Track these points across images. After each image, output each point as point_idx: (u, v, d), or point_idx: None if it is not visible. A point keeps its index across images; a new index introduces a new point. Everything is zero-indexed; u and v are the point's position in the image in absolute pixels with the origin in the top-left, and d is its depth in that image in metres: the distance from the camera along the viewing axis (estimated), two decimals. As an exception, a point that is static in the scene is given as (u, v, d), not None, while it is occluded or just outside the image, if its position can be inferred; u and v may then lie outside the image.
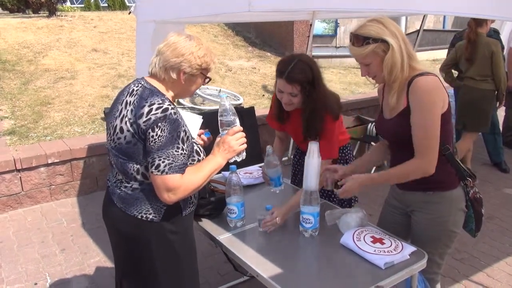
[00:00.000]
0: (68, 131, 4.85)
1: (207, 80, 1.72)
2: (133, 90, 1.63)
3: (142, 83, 1.65)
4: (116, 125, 1.61)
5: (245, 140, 1.74)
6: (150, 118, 1.52)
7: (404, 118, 1.71)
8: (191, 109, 5.28)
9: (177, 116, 1.56)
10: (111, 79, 6.18)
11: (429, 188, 1.79)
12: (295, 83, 2.03)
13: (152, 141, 1.52)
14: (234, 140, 1.70)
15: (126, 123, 1.57)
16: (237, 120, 1.75)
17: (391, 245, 1.73)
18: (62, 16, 8.69)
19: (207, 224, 2.04)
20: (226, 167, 2.12)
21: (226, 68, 7.44)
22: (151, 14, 3.15)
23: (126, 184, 1.66)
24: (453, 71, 4.49)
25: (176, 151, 1.54)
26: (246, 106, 5.33)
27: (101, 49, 7.08)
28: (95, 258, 3.22)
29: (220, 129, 1.76)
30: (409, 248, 1.72)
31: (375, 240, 1.76)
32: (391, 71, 1.67)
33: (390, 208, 2.03)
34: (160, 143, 1.52)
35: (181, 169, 1.56)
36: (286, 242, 1.89)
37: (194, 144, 1.70)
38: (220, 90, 5.94)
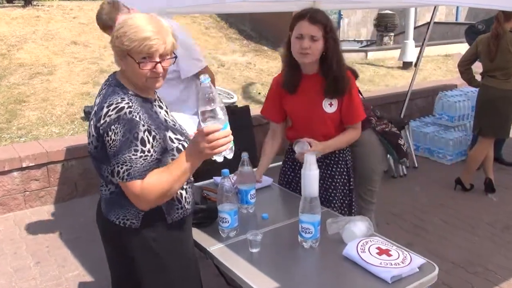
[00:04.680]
0: (45, 131, 4.83)
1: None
2: (102, 89, 1.66)
3: (110, 79, 1.67)
4: (88, 130, 1.64)
5: (226, 140, 1.48)
6: (106, 121, 1.52)
7: None
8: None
9: (133, 115, 1.52)
10: (92, 74, 6.17)
11: None
12: (318, 23, 2.11)
13: (108, 146, 1.53)
14: (207, 143, 1.47)
15: (91, 127, 1.59)
16: (219, 112, 1.47)
17: (398, 257, 1.74)
18: (38, 5, 8.67)
19: (196, 234, 2.03)
20: (218, 173, 2.12)
21: (219, 63, 7.44)
22: (136, 4, 3.15)
23: (105, 188, 1.68)
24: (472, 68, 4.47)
25: (133, 154, 1.51)
26: (240, 105, 5.32)
27: (81, 42, 7.07)
28: (73, 271, 3.19)
29: (200, 118, 1.50)
30: (418, 260, 1.73)
31: (381, 252, 1.76)
32: None
33: None
34: (115, 148, 1.51)
35: (141, 174, 1.53)
36: (284, 254, 1.88)
37: (177, 142, 1.65)
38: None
